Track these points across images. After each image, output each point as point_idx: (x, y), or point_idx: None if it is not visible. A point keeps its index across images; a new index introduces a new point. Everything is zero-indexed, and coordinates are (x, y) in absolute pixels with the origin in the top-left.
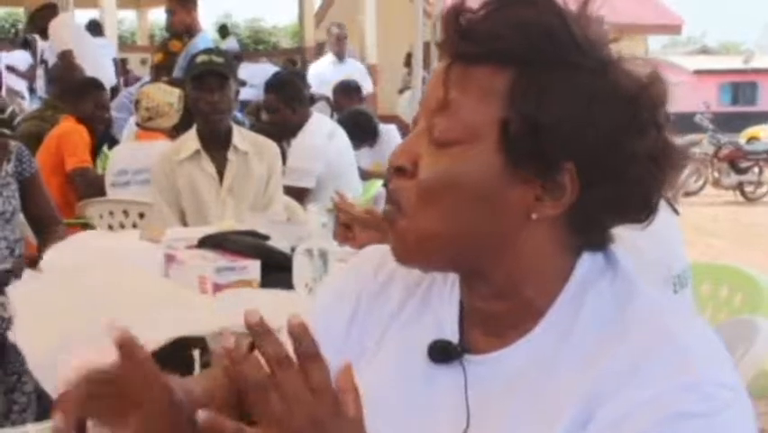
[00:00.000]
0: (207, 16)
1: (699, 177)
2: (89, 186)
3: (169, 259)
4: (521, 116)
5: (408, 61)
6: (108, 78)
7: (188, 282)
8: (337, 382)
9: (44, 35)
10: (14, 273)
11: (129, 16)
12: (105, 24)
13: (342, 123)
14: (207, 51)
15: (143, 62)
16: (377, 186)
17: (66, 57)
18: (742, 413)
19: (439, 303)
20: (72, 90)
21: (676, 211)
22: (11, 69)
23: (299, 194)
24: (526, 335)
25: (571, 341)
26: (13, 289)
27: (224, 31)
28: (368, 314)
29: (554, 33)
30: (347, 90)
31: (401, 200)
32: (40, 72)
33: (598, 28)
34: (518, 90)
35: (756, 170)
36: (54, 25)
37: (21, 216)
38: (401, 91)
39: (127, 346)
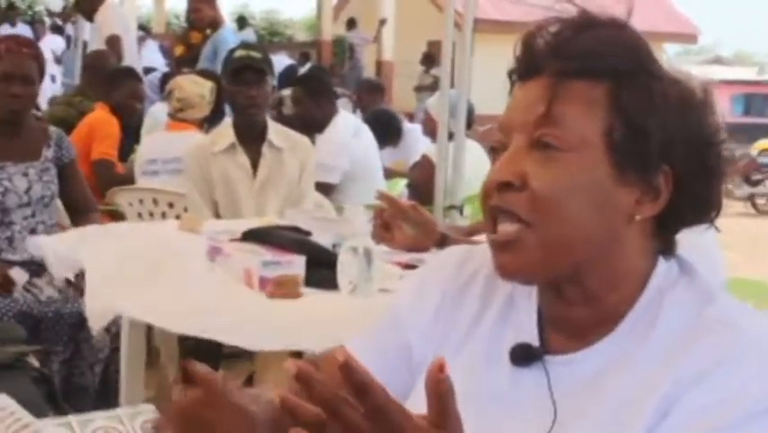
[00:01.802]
0: (224, 6)
1: None
2: (107, 179)
3: (215, 251)
4: (623, 124)
5: (425, 60)
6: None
7: (234, 274)
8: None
9: (89, 19)
10: None
11: (146, 3)
12: (126, 10)
13: (367, 122)
14: (245, 46)
15: (161, 49)
16: (400, 185)
17: (113, 42)
18: None
19: (519, 309)
20: (108, 78)
21: (717, 229)
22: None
23: (324, 189)
24: (606, 337)
25: (649, 341)
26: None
27: (242, 22)
28: (450, 313)
29: (639, 48)
30: (371, 88)
31: (519, 212)
32: (71, 57)
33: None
34: (618, 101)
35: None
36: (104, 10)
37: (58, 203)
38: (417, 89)
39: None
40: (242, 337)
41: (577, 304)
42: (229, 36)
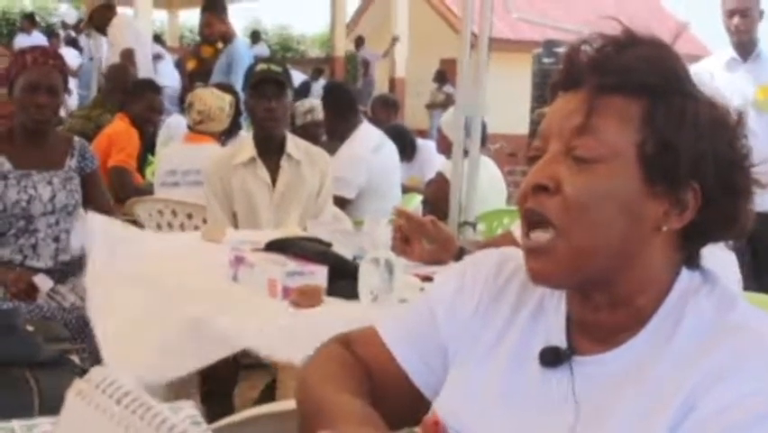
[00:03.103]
0: (236, 21)
1: None
2: (122, 187)
3: (238, 260)
4: (656, 139)
5: (438, 77)
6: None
7: (257, 284)
8: None
9: (101, 32)
10: (74, 266)
11: (159, 16)
12: (140, 24)
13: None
14: (266, 60)
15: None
16: (416, 200)
17: (127, 56)
18: None
19: (549, 313)
20: (127, 89)
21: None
22: None
23: (339, 203)
24: (631, 339)
25: (672, 344)
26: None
27: (255, 37)
28: (486, 313)
29: (677, 68)
30: (385, 104)
31: (550, 215)
32: (87, 69)
33: None
34: (652, 117)
35: None
36: (116, 24)
37: (81, 211)
38: (428, 106)
39: None
40: (270, 347)
41: (603, 309)
42: (242, 49)
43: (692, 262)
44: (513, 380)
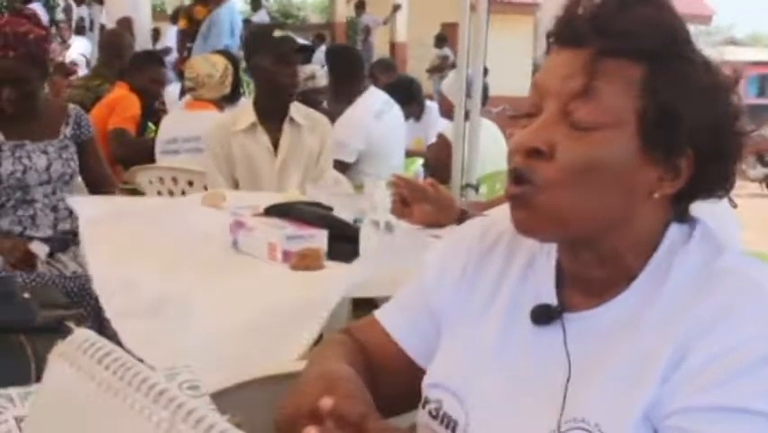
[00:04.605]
0: None
1: None
2: (123, 147)
3: (238, 225)
4: (657, 106)
5: (438, 42)
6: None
7: (257, 249)
8: None
9: (99, 1)
10: (74, 234)
11: None
12: None
13: (394, 87)
14: (281, 26)
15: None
16: (417, 163)
17: (125, 24)
18: None
19: (539, 272)
20: (130, 59)
21: (733, 204)
22: None
23: (339, 167)
24: (621, 293)
25: (662, 296)
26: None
27: (256, 3)
28: (474, 277)
29: (676, 29)
30: (385, 67)
31: (536, 179)
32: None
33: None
34: (654, 82)
35: None
36: None
37: (79, 180)
38: (429, 70)
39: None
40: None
41: (591, 265)
42: (227, 14)
43: (682, 216)
44: (505, 339)
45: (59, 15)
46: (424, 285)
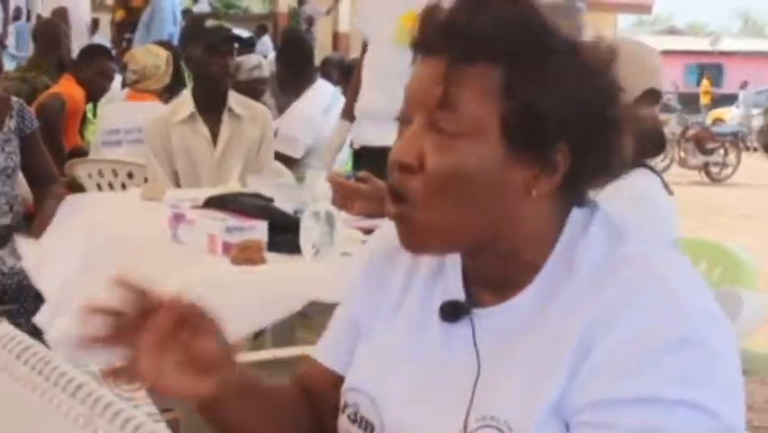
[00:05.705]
0: None
1: (666, 156)
2: (53, 116)
3: (178, 218)
4: (519, 108)
5: None
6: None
7: (197, 241)
8: None
9: None
10: (14, 229)
11: None
12: None
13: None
14: (213, 16)
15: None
16: None
17: (60, 15)
18: (729, 338)
19: (447, 269)
20: (80, 54)
21: (670, 191)
22: None
23: (287, 162)
24: (526, 288)
25: (567, 287)
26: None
27: None
28: (382, 280)
29: (533, 25)
30: (339, 65)
31: (409, 195)
32: (11, 29)
33: (569, 15)
34: (512, 84)
35: (722, 151)
36: None
37: (20, 174)
38: None
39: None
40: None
41: (492, 265)
42: (167, 3)
43: (581, 201)
44: (416, 338)
45: None
46: (345, 302)
